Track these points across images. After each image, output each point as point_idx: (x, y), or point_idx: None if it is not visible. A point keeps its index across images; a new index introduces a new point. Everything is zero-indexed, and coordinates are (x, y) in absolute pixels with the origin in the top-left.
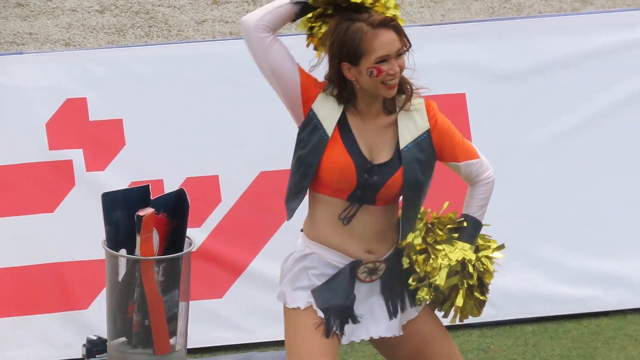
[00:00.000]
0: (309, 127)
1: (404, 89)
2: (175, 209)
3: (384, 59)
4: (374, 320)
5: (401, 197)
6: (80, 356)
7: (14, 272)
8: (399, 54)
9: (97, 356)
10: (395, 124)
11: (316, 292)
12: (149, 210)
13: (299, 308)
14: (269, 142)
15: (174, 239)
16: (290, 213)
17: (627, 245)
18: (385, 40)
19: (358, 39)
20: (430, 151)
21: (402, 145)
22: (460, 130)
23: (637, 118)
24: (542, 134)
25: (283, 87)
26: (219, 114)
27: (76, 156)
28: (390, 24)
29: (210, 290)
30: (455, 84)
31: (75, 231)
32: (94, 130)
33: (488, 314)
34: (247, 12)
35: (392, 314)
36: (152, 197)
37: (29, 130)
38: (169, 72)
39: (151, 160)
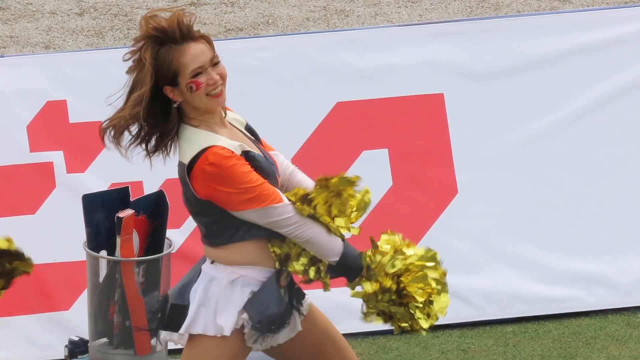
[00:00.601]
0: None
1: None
2: (155, 211)
3: (198, 72)
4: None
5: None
6: (62, 357)
7: None
8: (215, 63)
9: (78, 357)
10: (229, 124)
11: (248, 306)
12: (129, 212)
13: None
14: None
15: (154, 240)
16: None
17: (607, 246)
18: (194, 52)
19: (168, 59)
20: None
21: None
22: (439, 131)
23: (617, 117)
24: (522, 133)
25: None
26: None
27: (57, 158)
28: (195, 35)
29: None
30: (433, 84)
31: (56, 233)
32: (74, 132)
33: (468, 314)
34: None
35: (299, 311)
36: (132, 199)
37: (10, 132)
38: None
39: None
